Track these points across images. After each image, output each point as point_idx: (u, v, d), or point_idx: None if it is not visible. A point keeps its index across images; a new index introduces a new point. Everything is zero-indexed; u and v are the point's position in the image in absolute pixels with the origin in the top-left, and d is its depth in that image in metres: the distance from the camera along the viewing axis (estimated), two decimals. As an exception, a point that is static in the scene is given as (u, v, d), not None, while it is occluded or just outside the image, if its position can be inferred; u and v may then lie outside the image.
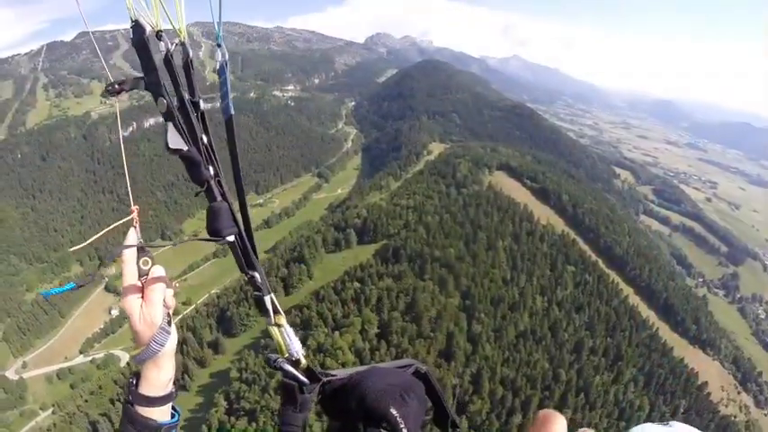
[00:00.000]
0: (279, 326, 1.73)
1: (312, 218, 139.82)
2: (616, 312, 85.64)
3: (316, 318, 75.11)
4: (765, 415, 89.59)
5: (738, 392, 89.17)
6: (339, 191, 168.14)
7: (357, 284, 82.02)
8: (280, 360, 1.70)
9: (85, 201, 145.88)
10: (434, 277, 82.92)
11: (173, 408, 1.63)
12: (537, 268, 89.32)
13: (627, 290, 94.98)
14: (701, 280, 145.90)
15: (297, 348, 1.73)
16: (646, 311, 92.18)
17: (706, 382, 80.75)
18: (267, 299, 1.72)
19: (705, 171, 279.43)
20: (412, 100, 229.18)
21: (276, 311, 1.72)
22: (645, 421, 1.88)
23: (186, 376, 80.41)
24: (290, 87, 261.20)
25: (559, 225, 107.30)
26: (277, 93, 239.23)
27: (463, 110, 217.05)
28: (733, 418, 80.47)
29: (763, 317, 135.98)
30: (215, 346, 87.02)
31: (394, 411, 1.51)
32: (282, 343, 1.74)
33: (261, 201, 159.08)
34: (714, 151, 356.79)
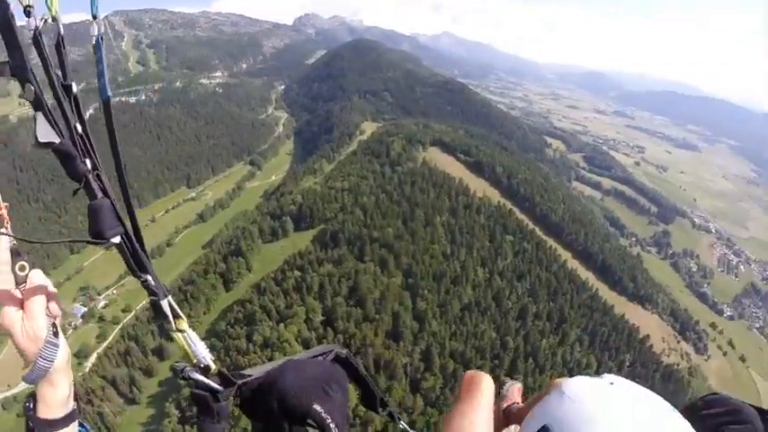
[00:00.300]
0: (181, 331, 1.60)
1: (247, 207, 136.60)
2: (556, 277, 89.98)
3: (259, 312, 74.03)
4: (706, 360, 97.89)
5: (678, 342, 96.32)
6: (273, 177, 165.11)
7: (297, 273, 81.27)
8: (188, 369, 1.60)
9: (9, 212, 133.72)
10: (375, 258, 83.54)
11: (80, 425, 1.51)
12: (476, 240, 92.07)
13: (565, 254, 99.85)
14: (634, 239, 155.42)
15: (203, 354, 1.62)
16: (585, 274, 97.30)
17: (647, 336, 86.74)
18: (164, 303, 1.58)
19: (633, 137, 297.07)
20: (343, 80, 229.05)
21: (176, 315, 1.60)
22: None
23: (134, 389, 77.19)
24: (218, 74, 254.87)
25: (495, 197, 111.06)
26: (204, 80, 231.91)
27: (395, 88, 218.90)
28: (676, 366, 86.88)
29: (695, 270, 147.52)
30: (159, 353, 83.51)
31: (318, 407, 1.50)
32: (188, 350, 1.63)
33: (193, 194, 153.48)
34: (641, 118, 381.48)
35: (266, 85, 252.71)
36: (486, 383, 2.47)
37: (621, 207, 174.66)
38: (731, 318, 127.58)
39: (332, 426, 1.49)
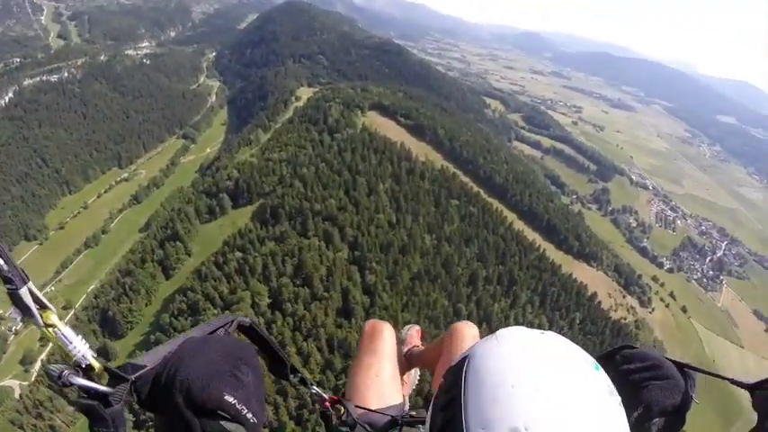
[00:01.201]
0: (50, 326, 1.31)
1: (183, 184, 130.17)
2: (504, 239, 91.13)
3: (202, 300, 70.63)
4: (650, 312, 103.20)
5: (624, 296, 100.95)
6: (208, 150, 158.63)
7: (239, 254, 77.85)
8: (66, 373, 1.29)
9: None
10: (318, 233, 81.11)
11: None
12: (421, 207, 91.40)
13: (510, 216, 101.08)
14: (575, 197, 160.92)
15: (82, 350, 1.35)
16: (531, 234, 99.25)
17: (595, 293, 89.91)
18: (24, 292, 1.28)
19: (570, 97, 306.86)
20: (276, 44, 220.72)
21: (42, 306, 1.31)
22: None
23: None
24: (145, 44, 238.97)
25: (438, 160, 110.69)
26: (130, 51, 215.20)
27: (330, 51, 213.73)
28: (623, 321, 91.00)
29: (634, 225, 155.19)
30: (104, 353, 77.74)
31: (229, 398, 1.33)
32: (62, 348, 1.34)
33: (126, 175, 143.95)
34: (577, 79, 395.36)
35: (196, 53, 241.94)
36: (387, 332, 2.56)
37: (561, 166, 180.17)
38: (671, 270, 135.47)
39: (249, 416, 1.34)
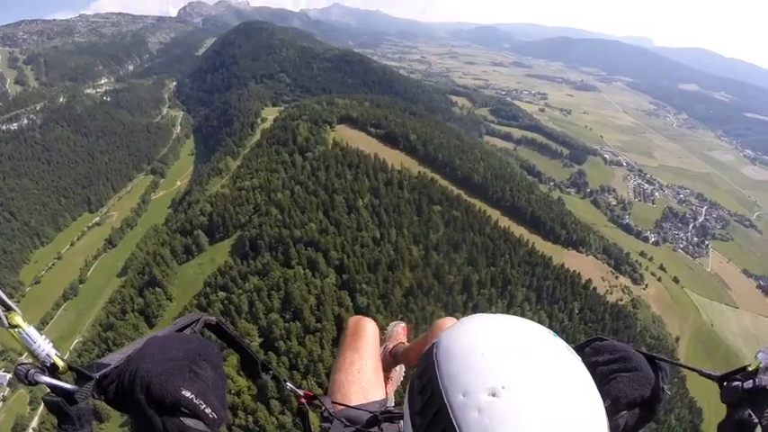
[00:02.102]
0: (15, 327, 1.35)
1: (157, 222, 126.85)
2: (491, 239, 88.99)
3: None
4: (644, 289, 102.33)
5: (616, 277, 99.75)
6: (178, 183, 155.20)
7: (222, 294, 74.42)
8: (32, 372, 1.34)
9: None
10: (302, 260, 78.05)
11: None
12: (404, 218, 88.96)
13: (494, 213, 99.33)
14: (552, 184, 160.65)
15: (46, 350, 1.38)
16: (517, 230, 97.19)
17: (589, 279, 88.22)
18: None
19: (533, 85, 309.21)
20: (236, 67, 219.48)
21: (7, 308, 1.34)
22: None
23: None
24: (104, 81, 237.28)
25: (414, 167, 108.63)
26: (90, 90, 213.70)
27: (291, 67, 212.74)
28: (620, 302, 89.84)
29: (614, 203, 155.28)
30: (97, 417, 73.53)
31: (187, 393, 1.34)
32: (27, 348, 1.39)
33: (97, 219, 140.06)
34: (538, 66, 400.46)
35: (157, 85, 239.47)
36: (370, 328, 2.65)
37: (535, 154, 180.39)
38: (656, 243, 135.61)
39: (207, 411, 1.35)
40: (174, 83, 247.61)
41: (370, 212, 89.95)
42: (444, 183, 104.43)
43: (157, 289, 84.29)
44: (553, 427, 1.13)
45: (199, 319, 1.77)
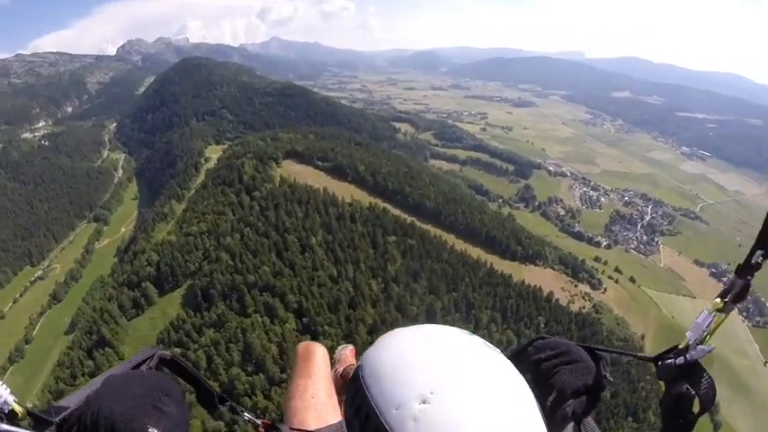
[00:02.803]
0: None
1: (103, 272, 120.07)
2: (449, 264, 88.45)
3: None
4: (603, 293, 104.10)
5: (576, 286, 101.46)
6: (123, 229, 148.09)
7: (178, 350, 69.36)
8: None
9: None
10: (259, 307, 75.04)
11: None
12: (360, 252, 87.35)
13: (449, 238, 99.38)
14: (501, 201, 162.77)
15: (3, 396, 1.38)
16: (474, 251, 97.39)
17: (551, 292, 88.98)
18: None
19: (473, 106, 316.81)
20: (176, 106, 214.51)
21: None
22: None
23: None
24: (41, 124, 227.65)
25: (365, 198, 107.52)
26: (27, 135, 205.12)
27: (232, 104, 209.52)
28: (583, 310, 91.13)
29: (563, 213, 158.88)
30: None
31: (153, 430, 1.36)
32: None
33: (40, 272, 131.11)
34: (476, 87, 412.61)
35: (97, 127, 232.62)
36: (320, 353, 2.69)
37: (481, 173, 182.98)
38: (609, 246, 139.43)
39: None
40: (115, 124, 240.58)
41: (325, 250, 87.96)
42: (397, 212, 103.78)
43: (107, 349, 78.70)
44: (488, 419, 1.17)
45: (153, 355, 1.78)
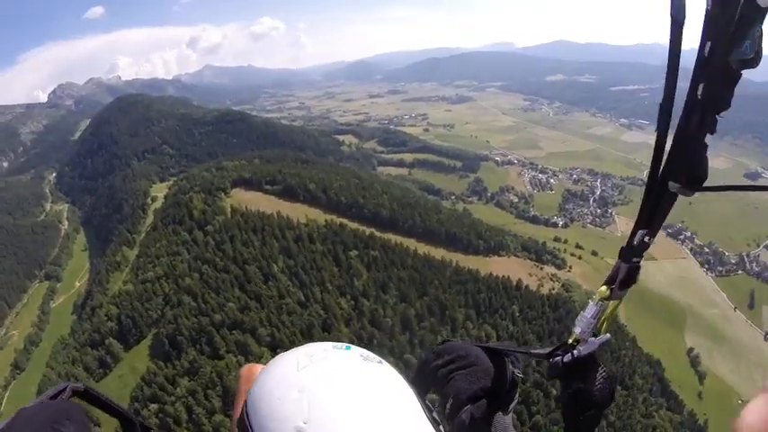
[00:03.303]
0: None
1: (63, 332, 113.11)
2: (416, 269, 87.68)
3: None
4: (569, 271, 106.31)
5: (541, 269, 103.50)
6: (77, 284, 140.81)
7: (155, 406, 66.82)
8: None
9: None
10: (231, 347, 72.38)
11: None
12: (324, 272, 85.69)
13: (411, 243, 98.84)
14: (454, 197, 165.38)
15: None
16: (437, 252, 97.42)
17: (519, 279, 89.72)
18: None
19: (412, 109, 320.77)
20: (115, 147, 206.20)
21: None
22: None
23: None
24: None
25: (320, 216, 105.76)
26: None
27: (172, 137, 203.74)
28: (552, 291, 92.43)
29: (516, 200, 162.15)
30: None
31: None
32: None
33: None
34: (413, 89, 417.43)
35: (36, 179, 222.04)
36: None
37: (429, 173, 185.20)
38: (566, 225, 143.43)
39: None
40: (54, 174, 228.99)
41: (288, 275, 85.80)
42: (354, 225, 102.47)
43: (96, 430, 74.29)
44: None
45: (66, 388, 1.76)
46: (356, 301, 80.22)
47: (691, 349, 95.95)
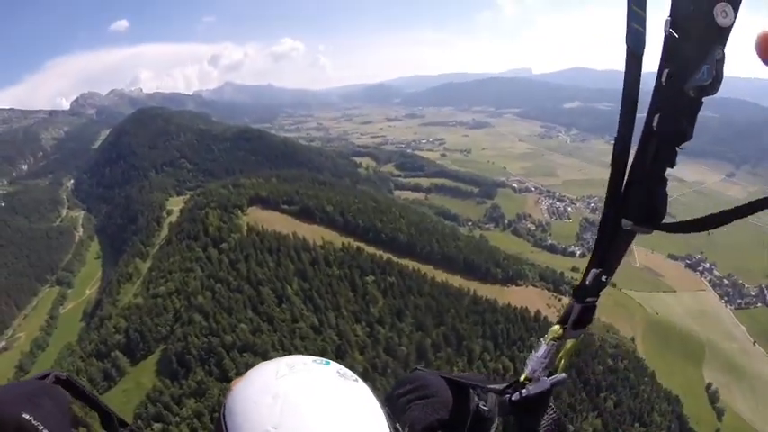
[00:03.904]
0: None
1: (70, 339, 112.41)
2: (433, 297, 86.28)
3: None
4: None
5: (559, 300, 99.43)
6: (88, 291, 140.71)
7: (158, 426, 65.28)
8: None
9: None
10: (240, 370, 71.08)
11: None
12: (339, 296, 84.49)
13: (428, 270, 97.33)
14: (470, 224, 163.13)
15: None
16: (455, 280, 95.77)
17: (538, 310, 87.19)
18: None
19: (430, 133, 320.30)
20: (134, 158, 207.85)
21: None
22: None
23: None
24: None
25: (336, 239, 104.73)
26: None
27: (191, 152, 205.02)
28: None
29: (533, 228, 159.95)
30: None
31: (26, 415, 1.47)
32: None
33: (3, 343, 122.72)
34: (430, 114, 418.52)
35: (54, 185, 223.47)
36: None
37: (446, 199, 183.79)
38: (583, 255, 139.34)
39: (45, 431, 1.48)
40: (72, 180, 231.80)
41: (303, 298, 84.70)
42: (371, 249, 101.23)
43: (81, 429, 72.75)
44: None
45: (49, 374, 1.85)
46: (371, 327, 78.88)
47: (709, 384, 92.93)
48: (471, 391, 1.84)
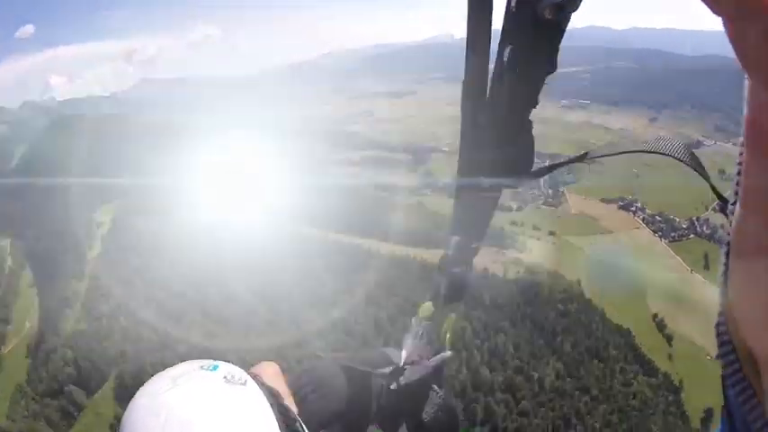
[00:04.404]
0: None
1: (19, 380, 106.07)
2: (380, 270, 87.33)
3: None
4: (530, 253, 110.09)
5: (503, 254, 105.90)
6: (28, 324, 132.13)
7: None
8: None
9: None
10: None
11: None
12: (293, 286, 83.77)
13: (372, 244, 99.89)
14: (407, 192, 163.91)
15: None
16: (400, 250, 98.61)
17: (485, 268, 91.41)
18: None
19: (359, 106, 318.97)
20: (54, 172, 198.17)
21: None
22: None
23: None
24: None
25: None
26: None
27: (113, 157, 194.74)
28: (518, 275, 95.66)
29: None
30: None
31: None
32: None
33: None
34: (358, 87, 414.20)
35: None
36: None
37: (380, 169, 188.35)
38: (520, 208, 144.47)
39: None
40: None
41: (251, 293, 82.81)
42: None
43: None
44: None
45: None
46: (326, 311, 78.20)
47: (655, 315, 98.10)
48: (373, 376, 1.71)
